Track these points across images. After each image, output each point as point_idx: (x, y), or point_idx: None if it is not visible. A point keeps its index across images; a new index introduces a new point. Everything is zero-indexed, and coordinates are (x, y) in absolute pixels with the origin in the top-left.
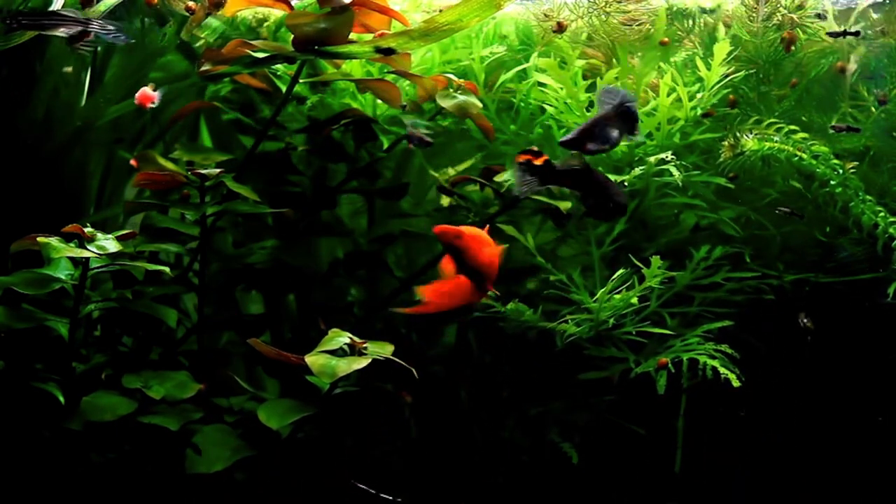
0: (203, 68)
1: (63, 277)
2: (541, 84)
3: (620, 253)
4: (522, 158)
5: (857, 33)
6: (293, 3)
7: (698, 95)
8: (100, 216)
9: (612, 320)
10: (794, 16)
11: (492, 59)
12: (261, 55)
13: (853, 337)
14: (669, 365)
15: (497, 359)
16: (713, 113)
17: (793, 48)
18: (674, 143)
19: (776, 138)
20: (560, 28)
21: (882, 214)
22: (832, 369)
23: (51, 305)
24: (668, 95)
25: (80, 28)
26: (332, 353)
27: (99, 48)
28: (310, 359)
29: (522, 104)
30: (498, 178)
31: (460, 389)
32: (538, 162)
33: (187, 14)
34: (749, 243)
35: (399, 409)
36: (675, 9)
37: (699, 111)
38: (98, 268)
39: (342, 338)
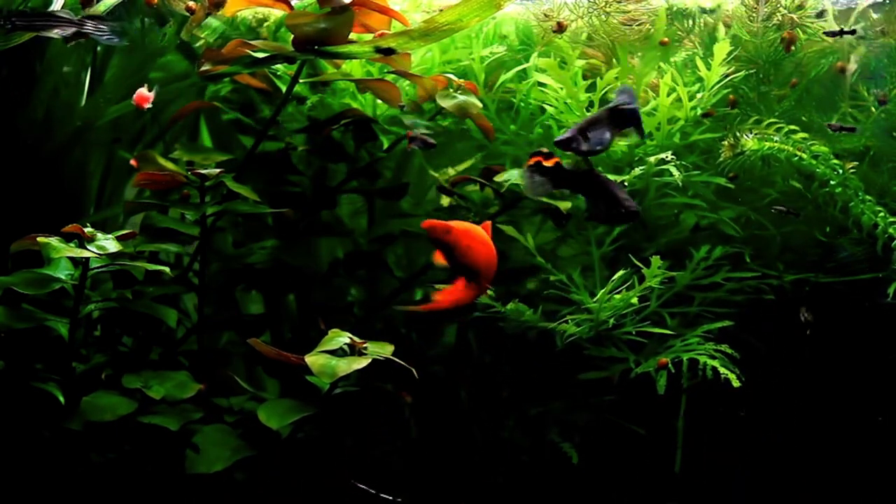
0: (203, 68)
1: (63, 277)
2: (541, 84)
3: (620, 253)
4: (533, 160)
5: (853, 32)
6: (293, 3)
7: (698, 95)
8: (100, 216)
9: (612, 320)
10: (794, 16)
11: (492, 59)
12: (261, 55)
13: (853, 337)
14: (669, 365)
15: (497, 359)
16: (713, 113)
17: (793, 48)
18: (674, 143)
19: (776, 138)
20: (560, 28)
21: (882, 214)
22: (832, 369)
23: (51, 305)
24: (668, 95)
25: (73, 29)
26: (332, 353)
27: (99, 48)
28: (310, 359)
29: (522, 104)
30: (498, 178)
31: (460, 389)
32: (549, 164)
33: (187, 14)
34: (749, 243)
35: (399, 409)
36: (675, 9)
37: (699, 111)
38: (98, 268)
39: (342, 338)
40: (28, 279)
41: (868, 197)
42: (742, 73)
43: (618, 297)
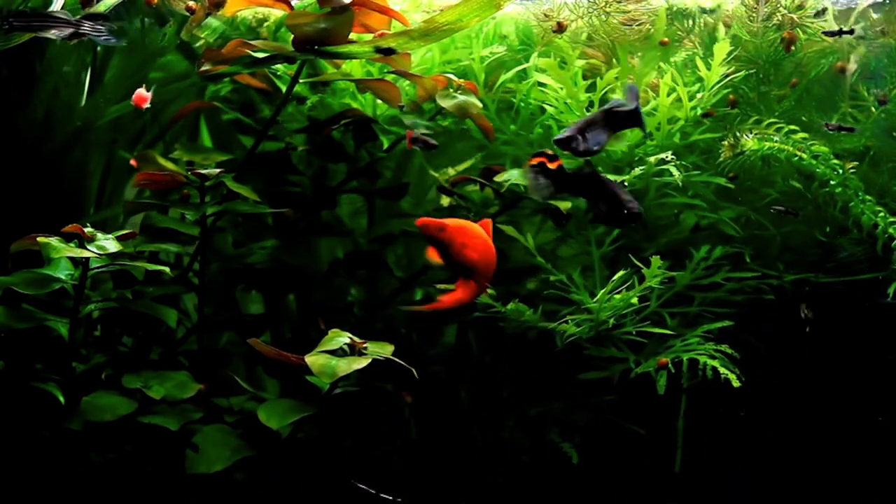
0: (203, 68)
1: (63, 277)
2: (541, 84)
3: (620, 253)
4: (535, 161)
5: (852, 32)
6: (293, 3)
7: (698, 95)
8: (100, 216)
9: (612, 320)
10: (794, 16)
11: (492, 59)
12: (261, 55)
13: (853, 337)
14: (669, 365)
15: (497, 359)
16: (713, 113)
17: (793, 48)
18: (674, 143)
19: (776, 138)
20: (560, 28)
21: (882, 214)
22: (832, 369)
23: (51, 305)
24: (668, 95)
25: (71, 30)
26: (332, 353)
27: (99, 48)
28: (310, 359)
29: (522, 104)
30: (498, 178)
31: (460, 389)
32: (552, 166)
33: (187, 14)
34: (749, 243)
35: (399, 409)
36: (675, 9)
37: (699, 111)
38: (98, 268)
39: (342, 338)
40: (28, 279)
41: (868, 197)
42: (742, 73)
43: (618, 297)
